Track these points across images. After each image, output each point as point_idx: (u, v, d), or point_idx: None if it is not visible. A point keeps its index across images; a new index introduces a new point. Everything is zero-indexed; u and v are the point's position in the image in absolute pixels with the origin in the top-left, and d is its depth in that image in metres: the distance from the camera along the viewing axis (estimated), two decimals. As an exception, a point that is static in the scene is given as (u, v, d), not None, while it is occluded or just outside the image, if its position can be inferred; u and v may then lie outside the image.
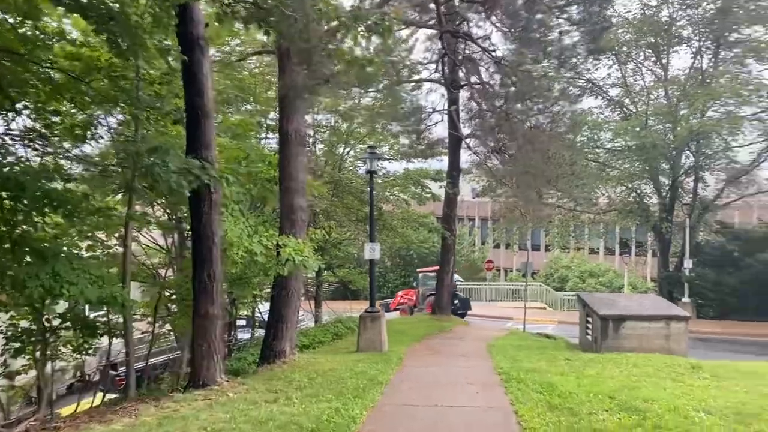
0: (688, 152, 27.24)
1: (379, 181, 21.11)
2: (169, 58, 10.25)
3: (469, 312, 26.35)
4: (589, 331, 14.99)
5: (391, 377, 9.97)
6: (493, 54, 13.10)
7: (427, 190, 20.75)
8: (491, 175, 19.16)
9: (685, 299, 25.68)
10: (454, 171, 19.58)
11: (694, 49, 26.72)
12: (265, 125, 17.09)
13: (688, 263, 26.10)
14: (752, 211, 29.97)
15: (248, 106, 17.23)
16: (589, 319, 15.03)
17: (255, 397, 8.37)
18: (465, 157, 20.75)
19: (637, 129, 24.51)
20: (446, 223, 20.63)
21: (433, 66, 17.85)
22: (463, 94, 18.28)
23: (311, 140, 22.66)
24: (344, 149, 22.37)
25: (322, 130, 21.85)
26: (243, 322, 21.65)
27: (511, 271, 49.50)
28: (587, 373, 10.27)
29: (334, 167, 20.77)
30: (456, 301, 25.19)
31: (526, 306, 21.79)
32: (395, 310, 28.10)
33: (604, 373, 10.36)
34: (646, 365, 11.35)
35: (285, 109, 11.33)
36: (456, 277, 26.98)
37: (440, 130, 20.81)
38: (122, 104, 10.69)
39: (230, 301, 16.39)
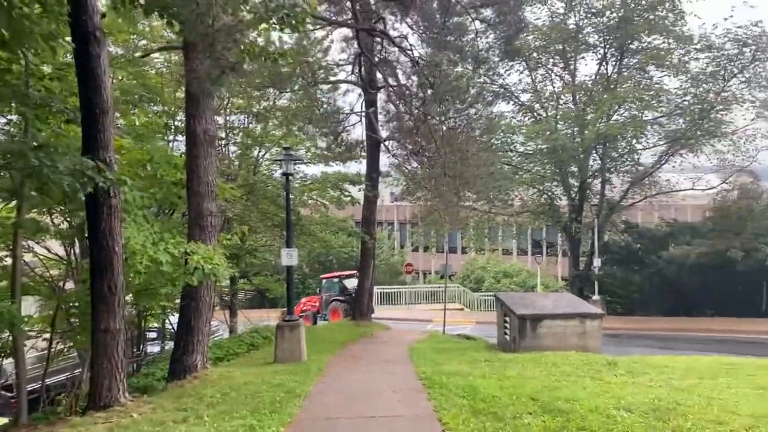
0: (595, 155, 28.38)
1: (296, 184, 20.59)
2: (67, 54, 9.42)
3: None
4: (507, 331, 15.14)
5: (311, 388, 9.55)
6: (410, 53, 12.98)
7: (346, 193, 20.44)
8: (410, 177, 19.10)
9: (596, 297, 26.64)
10: (373, 173, 19.36)
11: (599, 56, 27.93)
12: (173, 127, 16.23)
13: (597, 262, 27.15)
14: (653, 210, 31.62)
15: (155, 107, 16.33)
16: (507, 319, 15.18)
17: (162, 417, 7.74)
18: (384, 160, 20.63)
19: (548, 132, 25.28)
20: (366, 226, 20.37)
21: (350, 67, 17.59)
22: (381, 97, 18.13)
23: (224, 142, 21.84)
24: (259, 152, 21.69)
25: (236, 131, 21.09)
26: (154, 335, 20.57)
27: (430, 273, 50.00)
28: (508, 374, 10.25)
29: (249, 170, 20.07)
30: None
31: (444, 307, 21.86)
32: (299, 317, 27.68)
33: (525, 373, 10.38)
34: (565, 364, 11.50)
35: (192, 108, 10.70)
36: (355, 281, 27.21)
37: (358, 133, 20.60)
38: (9, 102, 9.71)
39: (137, 313, 15.43)
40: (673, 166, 27.52)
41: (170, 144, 16.93)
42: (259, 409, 8.01)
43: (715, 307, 26.30)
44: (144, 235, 8.85)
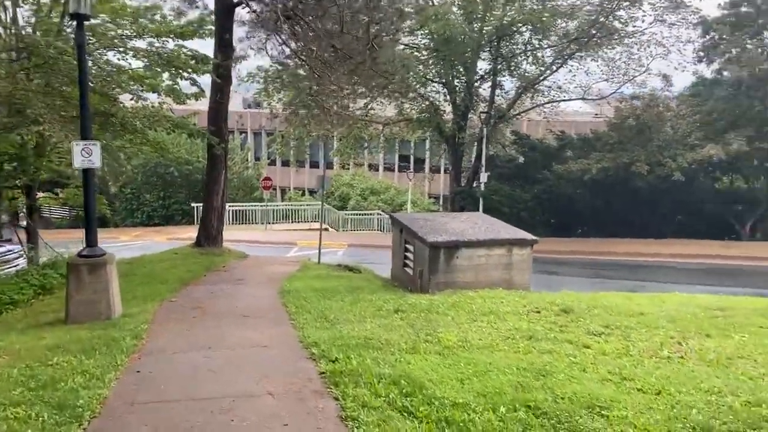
0: (486, 53, 24.76)
1: (115, 58, 14.81)
2: None
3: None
4: (410, 263, 11.47)
5: (110, 392, 5.08)
6: None
7: (185, 75, 14.81)
8: (280, 55, 13.89)
9: (472, 216, 23.86)
10: (226, 34, 13.93)
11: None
12: None
13: (483, 177, 24.14)
14: (541, 122, 28.94)
15: None
16: (410, 247, 11.47)
17: None
18: (240, 38, 15.29)
19: (445, 16, 20.83)
20: (214, 123, 15.29)
21: None
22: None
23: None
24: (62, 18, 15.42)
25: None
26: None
27: (289, 189, 45.32)
28: (447, 340, 6.57)
29: (46, 33, 13.94)
30: None
31: (320, 228, 17.64)
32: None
33: (470, 336, 6.76)
34: (508, 313, 8.14)
35: None
36: None
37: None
38: None
39: None
40: (569, 70, 24.85)
41: None
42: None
43: (611, 227, 24.66)
44: None
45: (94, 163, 7.95)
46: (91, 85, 13.07)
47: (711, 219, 24.22)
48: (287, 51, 13.62)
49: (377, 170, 45.48)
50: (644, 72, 24.63)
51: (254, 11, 12.09)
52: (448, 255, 10.45)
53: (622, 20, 22.40)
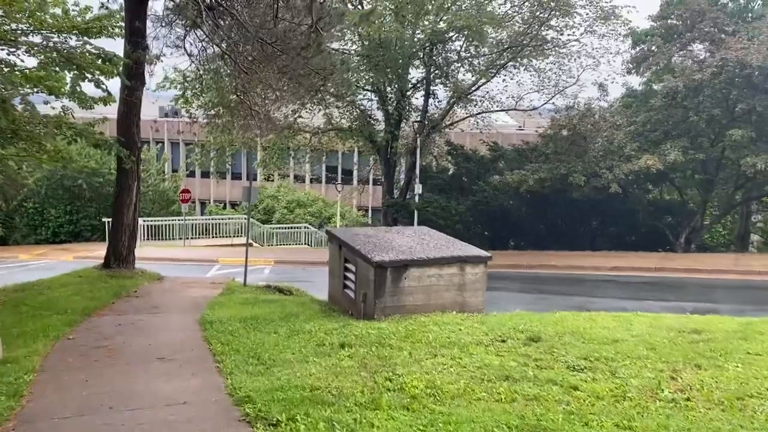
0: (418, 62, 24.01)
1: (5, 53, 12.84)
2: None
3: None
4: (351, 285, 10.24)
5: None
6: None
7: (89, 77, 13.02)
8: (201, 53, 12.32)
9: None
10: (137, 21, 12.22)
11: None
12: None
13: (418, 188, 23.29)
14: (470, 133, 28.52)
15: None
16: (352, 267, 10.24)
17: None
18: (154, 33, 13.63)
19: (380, 18, 19.86)
20: (124, 131, 13.53)
21: None
22: None
23: None
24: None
25: None
26: None
27: (210, 202, 43.02)
28: (411, 387, 5.46)
29: None
30: None
31: (246, 244, 16.09)
32: None
33: (438, 382, 5.68)
34: (472, 344, 7.21)
35: None
36: None
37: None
38: None
39: None
40: (503, 79, 24.48)
41: None
42: None
43: (545, 239, 24.41)
44: None
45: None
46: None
47: (645, 231, 24.46)
48: (209, 50, 12.13)
49: (304, 182, 43.99)
50: (575, 83, 24.70)
51: (176, 3, 10.54)
52: (396, 276, 9.31)
53: (556, 29, 22.24)
